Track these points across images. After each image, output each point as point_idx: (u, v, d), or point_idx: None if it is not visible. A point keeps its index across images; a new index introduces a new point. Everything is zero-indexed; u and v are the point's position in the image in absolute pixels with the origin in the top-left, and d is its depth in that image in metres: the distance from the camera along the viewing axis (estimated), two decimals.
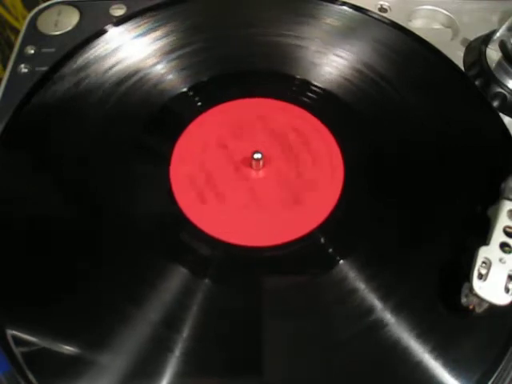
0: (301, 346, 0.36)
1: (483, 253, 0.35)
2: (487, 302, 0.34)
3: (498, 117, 0.47)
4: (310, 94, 0.48)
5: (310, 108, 0.47)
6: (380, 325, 0.36)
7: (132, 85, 0.48)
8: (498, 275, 0.34)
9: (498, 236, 0.36)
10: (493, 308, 0.34)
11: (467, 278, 0.35)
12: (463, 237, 0.40)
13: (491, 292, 0.34)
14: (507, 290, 0.34)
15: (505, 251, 0.35)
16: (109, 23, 0.52)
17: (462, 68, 0.50)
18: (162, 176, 0.43)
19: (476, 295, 0.34)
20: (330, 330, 0.37)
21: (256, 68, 0.50)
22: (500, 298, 0.34)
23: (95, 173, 0.44)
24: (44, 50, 0.51)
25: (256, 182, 0.43)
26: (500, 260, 0.35)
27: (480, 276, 0.34)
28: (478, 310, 0.35)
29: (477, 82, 0.49)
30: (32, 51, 0.51)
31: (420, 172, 0.43)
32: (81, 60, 0.49)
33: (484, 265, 0.35)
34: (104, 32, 0.51)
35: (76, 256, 0.40)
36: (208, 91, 0.48)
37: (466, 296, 0.35)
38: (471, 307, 0.36)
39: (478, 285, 0.34)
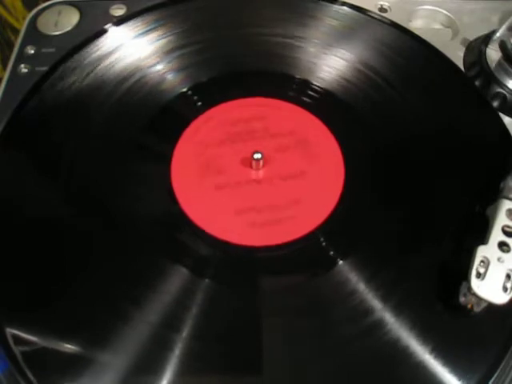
0: (300, 346, 0.36)
1: (481, 252, 0.35)
2: (485, 301, 0.34)
3: (497, 117, 0.47)
4: (310, 94, 0.48)
5: (310, 108, 0.47)
6: (380, 325, 0.36)
7: (132, 85, 0.48)
8: (496, 274, 0.34)
9: (496, 235, 0.36)
10: (491, 307, 0.34)
11: (465, 277, 0.35)
12: (463, 236, 0.40)
13: (489, 291, 0.34)
14: (505, 289, 0.34)
15: (503, 250, 0.35)
16: (109, 23, 0.52)
17: (462, 68, 0.50)
18: (162, 176, 0.43)
19: (474, 294, 0.34)
20: (330, 330, 0.36)
21: (256, 68, 0.50)
22: (498, 297, 0.34)
23: (95, 173, 0.44)
24: (44, 50, 0.51)
25: (256, 181, 0.43)
26: (498, 259, 0.35)
27: (478, 275, 0.34)
28: (476, 309, 0.35)
29: (477, 82, 0.49)
30: (32, 51, 0.51)
31: (420, 171, 0.43)
32: (81, 60, 0.49)
33: (482, 264, 0.35)
34: (104, 32, 0.51)
35: (76, 256, 0.40)
36: (208, 91, 0.48)
37: (465, 295, 0.35)
38: (469, 306, 0.35)
39: (476, 284, 0.34)
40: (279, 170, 0.44)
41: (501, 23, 0.50)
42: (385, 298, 0.37)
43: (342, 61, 0.50)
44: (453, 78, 0.49)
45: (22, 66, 0.50)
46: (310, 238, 0.40)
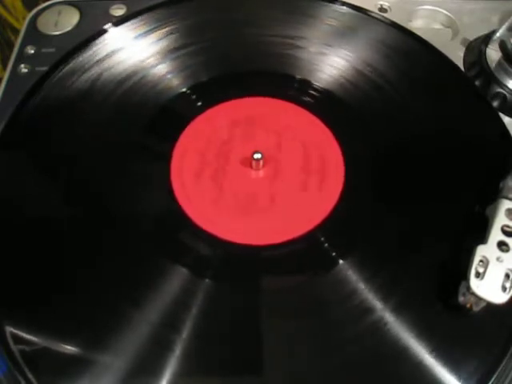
0: (300, 346, 0.36)
1: (481, 251, 0.35)
2: (484, 300, 0.34)
3: (497, 117, 0.47)
4: (310, 94, 0.48)
5: (310, 108, 0.47)
6: (380, 325, 0.36)
7: (132, 85, 0.48)
8: (495, 274, 0.34)
9: (495, 235, 0.36)
10: (490, 307, 0.34)
11: (465, 276, 0.35)
12: (462, 236, 0.40)
13: (488, 291, 0.34)
14: (504, 288, 0.34)
15: (502, 250, 0.35)
16: (109, 23, 0.52)
17: (462, 68, 0.50)
18: (162, 175, 0.43)
19: (473, 294, 0.34)
20: (330, 329, 0.36)
21: (256, 68, 0.50)
22: (497, 297, 0.34)
23: (95, 173, 0.44)
24: (44, 50, 0.51)
25: (256, 181, 0.43)
26: (497, 259, 0.35)
27: (477, 275, 0.34)
28: (475, 309, 0.35)
29: (477, 82, 0.49)
30: (32, 51, 0.51)
31: (419, 171, 0.43)
32: (81, 60, 0.49)
33: (481, 263, 0.35)
34: (104, 32, 0.51)
35: (76, 255, 0.40)
36: (208, 91, 0.48)
37: (464, 295, 0.35)
38: (469, 306, 0.35)
39: (475, 283, 0.34)
40: (279, 169, 0.44)
41: (501, 23, 0.50)
42: (385, 298, 0.37)
43: (342, 61, 0.50)
44: (453, 78, 0.49)
45: (22, 65, 0.50)
46: (309, 238, 0.40)
